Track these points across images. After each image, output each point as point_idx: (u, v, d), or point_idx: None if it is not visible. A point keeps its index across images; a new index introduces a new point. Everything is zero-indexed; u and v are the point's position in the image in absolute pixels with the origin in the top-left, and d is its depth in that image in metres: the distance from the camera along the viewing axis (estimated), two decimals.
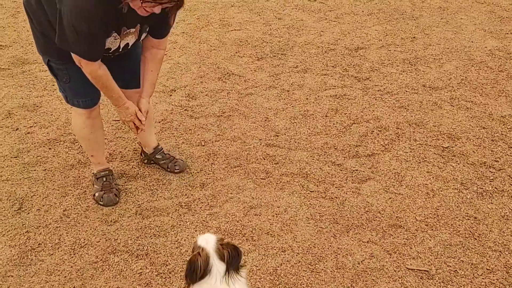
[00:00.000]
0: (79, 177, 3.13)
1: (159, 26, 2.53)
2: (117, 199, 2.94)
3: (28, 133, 3.53)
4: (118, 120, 3.65)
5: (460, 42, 4.84)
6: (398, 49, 4.70)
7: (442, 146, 3.42)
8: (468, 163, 3.26)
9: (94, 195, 2.96)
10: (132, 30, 2.44)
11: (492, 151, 3.38)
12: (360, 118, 3.72)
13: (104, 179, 2.98)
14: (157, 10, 2.22)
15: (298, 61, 4.51)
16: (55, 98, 3.90)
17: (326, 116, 3.75)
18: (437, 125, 3.64)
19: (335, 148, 3.39)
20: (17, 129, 3.57)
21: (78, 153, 3.33)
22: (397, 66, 4.42)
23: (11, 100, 3.88)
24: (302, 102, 3.92)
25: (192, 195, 2.98)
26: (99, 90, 2.56)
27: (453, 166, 3.24)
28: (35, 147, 3.39)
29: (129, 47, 2.55)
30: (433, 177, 3.14)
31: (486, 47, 4.74)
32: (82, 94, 2.65)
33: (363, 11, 5.49)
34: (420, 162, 3.27)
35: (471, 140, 3.48)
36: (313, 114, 3.77)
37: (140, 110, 2.67)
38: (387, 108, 3.84)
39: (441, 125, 3.63)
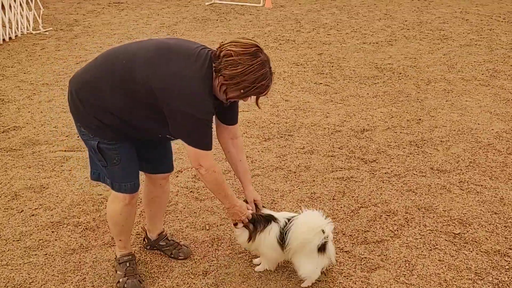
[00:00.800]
0: (80, 262, 3.06)
1: (228, 110, 2.65)
2: (142, 285, 2.83)
3: (33, 215, 3.50)
4: None
5: (466, 124, 4.87)
6: (404, 131, 4.74)
7: (454, 233, 3.32)
8: (481, 251, 3.14)
9: (117, 282, 2.84)
10: None
11: (506, 238, 3.27)
12: (367, 202, 3.66)
13: (128, 264, 2.89)
14: (244, 100, 2.48)
15: (304, 142, 4.55)
16: (62, 180, 3.92)
17: (333, 199, 3.70)
18: (447, 209, 3.56)
19: (343, 234, 3.31)
20: (22, 211, 3.55)
21: (80, 237, 3.28)
22: (404, 148, 4.42)
23: (18, 181, 3.91)
24: (309, 184, 3.89)
25: (194, 283, 2.88)
26: (214, 192, 2.63)
27: (465, 254, 3.12)
28: (38, 230, 3.35)
29: None
30: (445, 266, 3.02)
31: (493, 129, 4.76)
32: (130, 176, 2.65)
33: (368, 94, 5.61)
34: (431, 250, 3.16)
35: (483, 226, 3.38)
36: (320, 197, 3.72)
37: (257, 199, 2.82)
38: (395, 191, 3.79)
39: (451, 210, 3.55)
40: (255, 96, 2.47)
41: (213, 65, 2.38)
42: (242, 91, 2.39)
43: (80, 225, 3.39)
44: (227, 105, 2.56)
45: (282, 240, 2.74)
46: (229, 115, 2.69)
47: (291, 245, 2.70)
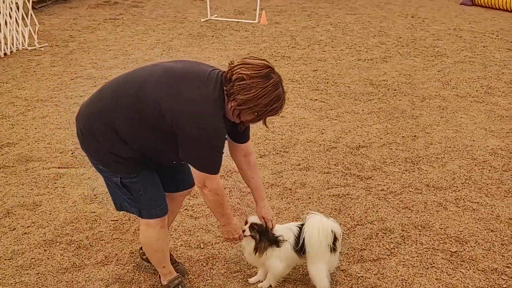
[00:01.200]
0: (72, 281, 3.01)
1: (246, 131, 2.64)
2: None
3: (25, 233, 3.45)
4: (117, 220, 3.58)
5: (462, 141, 4.88)
6: (400, 147, 4.74)
7: (450, 251, 3.29)
8: (478, 269, 3.12)
9: None
10: None
11: (502, 256, 3.25)
12: (364, 219, 3.63)
13: (180, 287, 2.85)
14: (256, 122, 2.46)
15: (300, 158, 4.53)
16: (55, 197, 3.88)
17: (330, 216, 3.66)
18: (443, 227, 3.54)
19: (340, 252, 3.27)
20: (14, 229, 3.50)
21: (73, 255, 3.23)
22: (399, 165, 4.42)
23: (11, 198, 3.86)
24: (305, 201, 3.86)
25: None
26: (212, 210, 2.59)
27: (463, 273, 3.09)
28: (30, 248, 3.30)
29: None
30: (442, 285, 2.99)
31: (488, 146, 4.77)
32: (157, 202, 2.60)
33: (363, 110, 5.62)
34: (428, 268, 3.13)
35: (480, 244, 3.36)
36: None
37: (266, 216, 2.77)
38: (391, 208, 3.77)
39: (447, 228, 3.53)
40: (252, 123, 2.47)
41: (225, 88, 2.33)
42: (256, 114, 2.36)
43: (73, 243, 3.34)
44: (242, 129, 2.54)
45: (297, 246, 2.79)
46: (241, 134, 2.66)
47: (309, 249, 2.76)
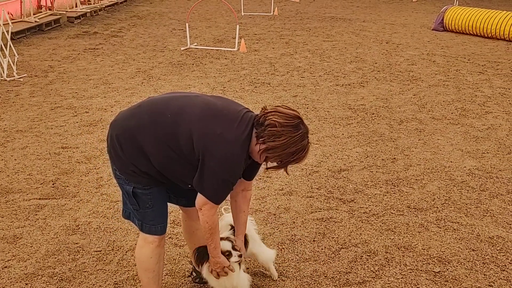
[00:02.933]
0: None
1: (253, 168, 2.70)
2: None
3: (5, 267, 3.38)
4: (100, 251, 3.53)
5: (440, 162, 4.99)
6: (380, 170, 4.82)
7: (434, 271, 3.34)
8: None
9: None
10: None
11: (484, 274, 3.31)
12: (348, 242, 3.67)
13: None
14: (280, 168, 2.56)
15: (283, 183, 4.57)
16: (36, 229, 3.82)
17: (314, 240, 3.70)
18: (426, 248, 3.59)
19: (325, 276, 3.29)
20: None
21: None
22: (381, 187, 4.49)
23: None
24: (289, 226, 3.88)
25: None
26: (203, 234, 2.64)
27: None
28: (11, 282, 3.22)
29: None
30: None
31: (465, 166, 4.89)
32: (160, 219, 2.72)
33: (343, 134, 5.72)
34: None
35: (462, 263, 3.42)
36: (300, 239, 3.71)
37: (239, 248, 2.84)
38: (374, 231, 3.81)
39: (430, 248, 3.59)
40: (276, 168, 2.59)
41: (255, 131, 2.48)
42: (280, 161, 2.50)
43: (55, 276, 3.28)
44: (266, 170, 2.68)
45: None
46: (251, 172, 2.75)
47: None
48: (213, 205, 2.51)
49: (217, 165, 2.42)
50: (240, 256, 2.80)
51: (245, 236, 2.96)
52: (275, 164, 2.54)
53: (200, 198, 2.52)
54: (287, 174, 2.70)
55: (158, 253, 2.77)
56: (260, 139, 2.46)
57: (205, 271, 2.81)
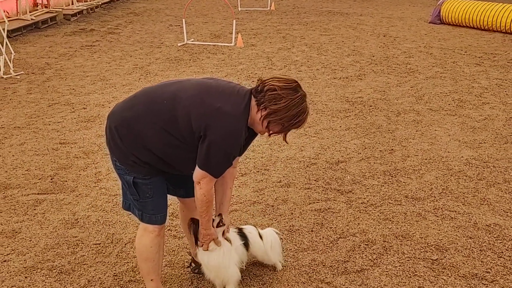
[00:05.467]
0: None
1: (245, 144, 2.72)
2: None
3: (5, 261, 3.39)
4: (99, 244, 3.55)
5: (437, 152, 5.00)
6: (378, 161, 4.83)
7: (431, 259, 3.35)
8: (459, 276, 3.18)
9: None
10: None
11: (482, 261, 3.33)
12: (346, 232, 3.68)
13: None
14: (283, 135, 2.62)
15: (281, 175, 4.58)
16: (35, 223, 3.82)
17: (312, 231, 3.71)
18: (423, 236, 3.61)
19: (323, 265, 3.31)
20: None
21: (55, 281, 3.18)
22: (378, 178, 4.50)
23: None
24: (287, 217, 3.90)
25: None
26: (197, 207, 2.65)
27: (444, 280, 3.15)
28: (10, 276, 3.23)
29: None
30: None
31: (462, 156, 4.90)
32: (160, 208, 2.74)
33: (340, 126, 5.72)
34: (410, 277, 3.18)
35: (460, 251, 3.43)
36: (298, 229, 3.73)
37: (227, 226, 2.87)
38: (372, 220, 3.83)
39: (427, 237, 3.60)
40: (279, 135, 2.63)
41: (255, 99, 2.51)
42: (282, 125, 2.53)
43: (55, 269, 3.29)
44: (268, 137, 2.68)
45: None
46: (243, 148, 2.76)
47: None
48: (212, 178, 2.54)
49: (219, 138, 2.44)
50: (221, 222, 2.86)
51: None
52: (277, 128, 2.55)
53: (199, 172, 2.53)
54: (286, 142, 2.73)
55: (158, 242, 2.79)
56: (261, 105, 2.50)
57: (199, 254, 2.87)
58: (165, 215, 2.79)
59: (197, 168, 2.54)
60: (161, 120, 2.52)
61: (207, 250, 2.83)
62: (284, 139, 2.66)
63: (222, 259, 2.85)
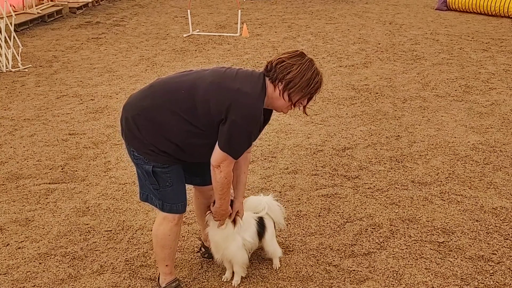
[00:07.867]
0: None
1: (260, 131, 2.75)
2: None
3: (19, 248, 3.47)
4: (110, 231, 3.62)
5: (444, 138, 5.02)
6: (384, 147, 4.86)
7: (438, 241, 3.39)
8: (466, 258, 3.22)
9: None
10: None
11: (488, 243, 3.36)
12: (353, 217, 3.72)
13: None
14: (305, 102, 2.68)
15: (288, 163, 4.62)
16: (47, 212, 3.90)
17: (319, 215, 3.76)
18: (430, 220, 3.64)
19: (331, 249, 3.36)
20: (8, 244, 3.51)
21: (68, 266, 3.26)
22: (385, 163, 4.53)
23: (3, 215, 3.87)
24: (295, 203, 3.94)
25: None
26: (216, 190, 2.69)
27: (451, 261, 3.19)
28: (25, 262, 3.32)
29: None
30: (432, 274, 3.08)
31: (469, 141, 4.92)
32: (180, 196, 2.78)
33: (347, 114, 5.75)
34: (417, 259, 3.22)
35: (466, 233, 3.47)
36: (306, 214, 3.78)
37: (240, 212, 2.92)
38: (379, 205, 3.87)
39: (434, 220, 3.64)
40: (303, 104, 2.68)
41: (268, 78, 2.61)
42: (303, 91, 2.60)
43: (67, 255, 3.37)
44: (293, 110, 2.72)
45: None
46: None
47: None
48: (231, 160, 2.59)
49: (240, 117, 2.50)
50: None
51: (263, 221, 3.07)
52: (299, 95, 2.60)
53: (219, 155, 2.57)
54: (306, 114, 2.80)
55: (176, 231, 2.83)
56: (276, 81, 2.58)
57: (210, 229, 2.94)
58: (185, 204, 2.81)
59: (216, 151, 2.57)
60: (180, 109, 2.56)
61: (223, 226, 2.88)
62: (304, 111, 2.72)
63: (230, 232, 2.91)
